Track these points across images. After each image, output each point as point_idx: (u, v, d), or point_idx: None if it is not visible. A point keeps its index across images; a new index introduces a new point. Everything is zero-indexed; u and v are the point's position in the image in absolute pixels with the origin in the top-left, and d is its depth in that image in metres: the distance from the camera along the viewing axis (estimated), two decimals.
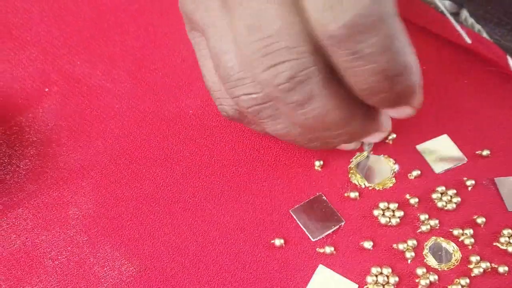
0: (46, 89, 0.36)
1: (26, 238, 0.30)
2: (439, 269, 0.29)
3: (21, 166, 0.33)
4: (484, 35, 0.39)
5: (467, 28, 0.38)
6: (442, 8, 0.39)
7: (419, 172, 0.32)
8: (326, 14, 0.21)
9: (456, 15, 0.40)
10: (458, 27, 0.38)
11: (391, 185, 0.31)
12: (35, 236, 0.30)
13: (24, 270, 0.29)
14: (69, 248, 0.30)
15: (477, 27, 0.39)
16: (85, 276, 0.29)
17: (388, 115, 0.29)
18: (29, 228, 0.31)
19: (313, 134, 0.27)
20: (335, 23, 0.21)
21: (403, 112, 0.26)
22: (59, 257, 0.30)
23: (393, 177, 0.32)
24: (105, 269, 0.29)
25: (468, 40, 0.37)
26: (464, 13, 0.40)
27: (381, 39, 0.22)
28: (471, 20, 0.40)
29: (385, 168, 0.32)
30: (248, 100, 0.26)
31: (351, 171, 0.32)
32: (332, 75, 0.24)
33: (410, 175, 0.32)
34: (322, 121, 0.25)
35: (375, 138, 0.29)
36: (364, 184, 0.32)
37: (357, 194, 0.31)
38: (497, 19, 0.39)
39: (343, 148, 0.32)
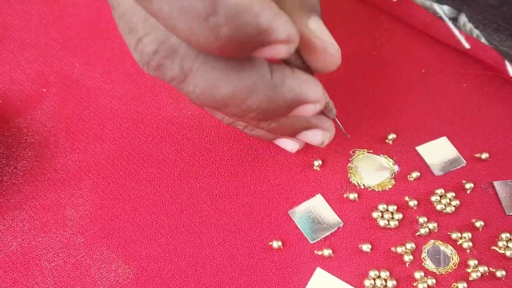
0: (44, 90, 0.36)
1: (23, 240, 0.30)
2: (437, 273, 0.28)
3: (19, 168, 0.33)
4: (483, 40, 0.39)
5: (465, 33, 0.38)
6: (441, 13, 0.39)
7: (418, 173, 0.32)
8: None
9: (454, 20, 0.40)
10: (457, 32, 0.38)
11: (390, 186, 0.31)
12: (32, 238, 0.30)
13: (20, 272, 0.29)
14: (66, 250, 0.30)
15: (476, 32, 0.39)
16: (82, 278, 0.29)
17: (316, 83, 0.25)
18: (26, 229, 0.30)
19: (224, 113, 0.25)
20: None
21: (275, 52, 0.21)
22: (56, 259, 0.29)
23: (393, 178, 0.32)
24: (102, 271, 0.29)
25: (467, 45, 0.37)
26: (463, 19, 0.40)
27: None
28: (469, 26, 0.40)
29: (385, 168, 0.32)
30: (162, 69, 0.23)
31: (351, 171, 0.32)
32: None
33: (409, 177, 0.32)
34: (213, 97, 0.22)
35: (305, 111, 0.25)
36: (363, 185, 0.31)
37: (356, 195, 0.31)
38: (496, 25, 0.39)
39: (309, 142, 0.29)
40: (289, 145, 0.31)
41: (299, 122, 0.28)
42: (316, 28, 0.25)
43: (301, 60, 0.25)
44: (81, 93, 0.36)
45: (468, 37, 0.37)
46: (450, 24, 0.38)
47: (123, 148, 0.33)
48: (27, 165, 0.33)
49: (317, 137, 0.29)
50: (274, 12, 0.19)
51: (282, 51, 0.21)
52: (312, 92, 0.24)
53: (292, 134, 0.29)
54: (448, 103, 0.35)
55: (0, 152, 0.33)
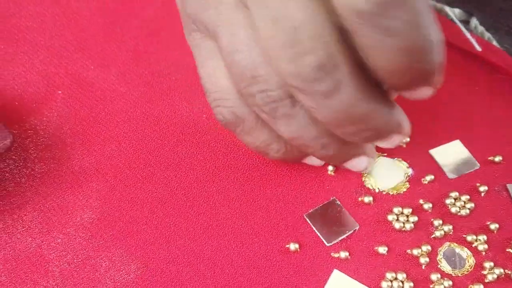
0: (60, 92, 0.36)
1: (42, 241, 0.30)
2: (453, 275, 0.29)
3: (36, 169, 0.33)
4: (494, 43, 0.39)
5: (477, 36, 0.38)
6: (452, 16, 0.39)
7: (432, 177, 0.32)
8: None
9: (466, 23, 0.40)
10: (468, 35, 0.38)
11: (404, 189, 0.32)
12: (51, 239, 0.30)
13: (40, 272, 0.29)
14: (84, 251, 0.30)
15: (487, 35, 0.40)
16: (101, 280, 0.29)
17: (407, 118, 0.28)
18: (44, 231, 0.31)
19: (330, 134, 0.27)
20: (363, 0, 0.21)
21: (424, 92, 0.25)
22: (75, 260, 0.30)
23: (407, 181, 0.32)
24: (121, 272, 0.29)
25: (478, 48, 0.37)
26: (474, 21, 0.40)
27: (411, 14, 0.21)
28: (481, 28, 0.40)
29: (399, 172, 0.32)
30: (264, 97, 0.25)
31: (365, 175, 0.32)
32: (357, 65, 0.24)
33: (424, 180, 0.32)
34: (347, 113, 0.24)
35: (394, 141, 0.28)
36: (378, 188, 0.32)
37: (371, 199, 0.31)
38: (507, 28, 0.40)
39: (352, 168, 0.31)
40: (317, 162, 0.32)
41: (354, 149, 0.29)
42: None
43: None
44: (96, 96, 0.36)
45: (480, 40, 0.38)
46: (461, 26, 0.39)
47: (140, 150, 0.34)
48: (45, 167, 0.33)
49: (363, 163, 0.30)
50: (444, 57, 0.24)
51: (427, 94, 0.25)
52: (407, 125, 0.28)
53: (343, 161, 0.30)
54: (460, 106, 0.35)
55: (18, 154, 0.34)
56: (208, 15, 0.27)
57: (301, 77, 0.23)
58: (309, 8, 0.22)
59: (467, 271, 0.29)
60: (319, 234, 0.30)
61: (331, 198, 0.31)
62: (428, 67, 0.23)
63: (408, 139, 0.33)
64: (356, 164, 0.30)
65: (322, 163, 0.32)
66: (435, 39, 0.23)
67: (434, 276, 0.28)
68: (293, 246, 0.29)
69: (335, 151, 0.28)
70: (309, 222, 0.30)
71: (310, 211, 0.31)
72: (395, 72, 0.23)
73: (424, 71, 0.23)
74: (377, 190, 0.32)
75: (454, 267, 0.29)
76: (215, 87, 0.28)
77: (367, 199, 0.31)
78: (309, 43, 0.22)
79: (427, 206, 0.31)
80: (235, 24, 0.25)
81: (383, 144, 0.28)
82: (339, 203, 0.31)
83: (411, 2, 0.21)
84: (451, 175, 0.32)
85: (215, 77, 0.28)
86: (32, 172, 0.33)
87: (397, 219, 0.30)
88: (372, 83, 0.25)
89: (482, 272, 0.29)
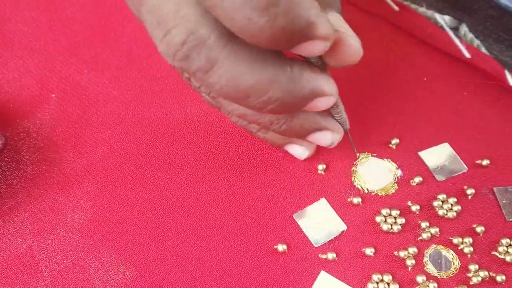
0: (53, 95, 0.37)
1: (32, 242, 0.31)
2: (439, 277, 0.29)
3: (28, 171, 0.33)
4: (483, 50, 0.39)
5: (466, 43, 0.39)
6: (442, 23, 0.40)
7: (421, 179, 0.32)
8: None
9: (455, 30, 0.41)
10: (458, 42, 0.38)
11: (393, 191, 0.32)
12: (41, 240, 0.31)
13: (30, 273, 0.29)
14: (74, 252, 0.30)
15: (476, 42, 0.40)
16: (90, 280, 0.29)
17: (329, 79, 0.26)
18: (35, 232, 0.31)
19: (245, 106, 0.25)
20: None
21: (314, 47, 0.22)
22: (65, 261, 0.30)
23: (396, 182, 0.32)
24: (110, 273, 0.29)
25: (467, 55, 0.38)
26: (464, 28, 0.41)
27: None
28: (470, 35, 0.40)
29: (388, 172, 0.33)
30: (184, 73, 0.25)
31: (354, 175, 0.33)
32: (232, 34, 0.22)
33: (412, 182, 0.32)
34: (236, 88, 0.23)
35: (324, 104, 0.26)
36: (367, 189, 0.32)
37: (360, 199, 0.31)
38: (496, 35, 0.40)
39: (318, 142, 0.30)
40: (298, 150, 0.32)
41: (309, 123, 0.28)
42: (335, 22, 0.26)
43: (318, 56, 0.26)
44: (90, 99, 0.36)
45: (469, 46, 0.38)
46: (451, 33, 0.39)
47: (131, 152, 0.34)
48: (37, 168, 0.34)
49: (327, 137, 0.30)
50: (318, 9, 0.21)
51: (319, 48, 0.22)
52: (327, 86, 0.25)
53: (303, 135, 0.29)
54: (449, 110, 0.36)
55: (10, 156, 0.34)
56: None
57: (173, 56, 0.23)
58: None
59: (453, 274, 0.29)
60: (307, 235, 0.30)
61: (320, 199, 0.32)
62: (286, 23, 0.20)
63: (397, 141, 0.33)
64: (320, 139, 0.30)
65: (304, 153, 0.32)
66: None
67: (419, 278, 0.29)
68: (281, 247, 0.30)
69: (286, 125, 0.28)
70: (297, 222, 0.31)
71: (298, 211, 0.31)
72: (248, 34, 0.21)
73: (286, 28, 0.20)
74: (366, 191, 0.32)
75: (439, 269, 0.29)
76: None
77: (356, 200, 0.31)
78: (171, 21, 0.22)
79: (415, 208, 0.31)
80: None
81: (314, 109, 0.26)
82: (328, 203, 0.31)
83: None
84: (439, 178, 0.33)
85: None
86: (24, 174, 0.33)
87: (385, 221, 0.31)
88: (266, 53, 0.23)
89: (467, 274, 0.29)
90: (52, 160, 0.34)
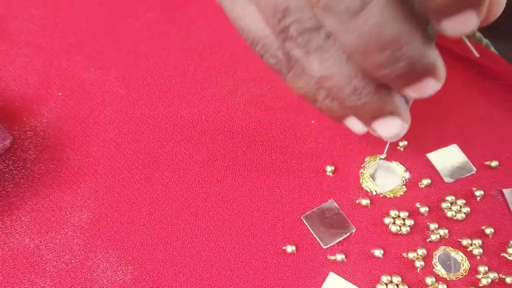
0: (60, 94, 0.36)
1: (40, 242, 0.30)
2: (448, 279, 0.29)
3: (36, 170, 0.33)
4: (492, 49, 0.39)
5: (475, 42, 0.38)
6: None
7: (429, 180, 0.32)
8: None
9: None
10: (467, 41, 0.38)
11: (401, 193, 0.32)
12: (49, 240, 0.31)
13: (37, 273, 0.29)
14: (82, 251, 0.30)
15: (485, 41, 0.40)
16: (98, 280, 0.29)
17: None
18: (42, 231, 0.31)
19: (363, 76, 0.25)
20: None
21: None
22: (73, 261, 0.30)
23: (404, 185, 0.32)
24: (119, 273, 0.29)
25: (477, 54, 0.38)
26: None
27: None
28: (479, 34, 0.40)
29: (396, 175, 0.33)
30: (298, 28, 0.24)
31: (363, 177, 0.32)
32: None
33: (420, 184, 0.32)
34: (379, 35, 0.22)
35: (427, 88, 0.25)
36: (376, 191, 0.32)
37: (368, 201, 0.31)
38: (505, 34, 0.40)
39: (384, 133, 0.28)
40: (358, 126, 0.29)
41: (387, 103, 0.27)
42: None
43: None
44: (97, 97, 0.36)
45: (478, 45, 0.38)
46: None
47: (138, 152, 0.34)
48: (44, 168, 0.33)
49: (396, 127, 0.27)
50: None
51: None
52: (442, 69, 0.25)
53: (374, 116, 0.27)
54: (458, 111, 0.35)
55: (17, 155, 0.34)
56: None
57: None
58: None
59: (462, 275, 0.29)
60: (315, 236, 0.30)
61: (329, 200, 0.32)
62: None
63: (406, 143, 0.33)
64: (387, 126, 0.27)
65: (363, 127, 0.28)
66: None
67: (429, 280, 0.29)
68: (289, 248, 0.30)
69: (367, 98, 0.26)
70: (306, 223, 0.31)
71: (307, 213, 0.31)
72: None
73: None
74: (374, 193, 0.32)
75: (449, 271, 0.29)
76: (262, 32, 0.26)
77: (365, 201, 0.31)
78: None
79: (423, 209, 0.31)
80: None
81: (414, 92, 0.25)
82: (336, 205, 0.31)
83: None
84: (447, 179, 0.32)
85: (254, 24, 0.26)
86: (31, 173, 0.33)
87: (394, 223, 0.31)
88: (409, 8, 0.23)
89: (476, 276, 0.29)
90: (59, 159, 0.34)
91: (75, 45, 0.39)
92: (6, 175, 0.33)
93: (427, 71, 0.24)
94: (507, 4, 0.39)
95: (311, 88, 0.27)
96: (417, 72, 0.24)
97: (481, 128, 0.35)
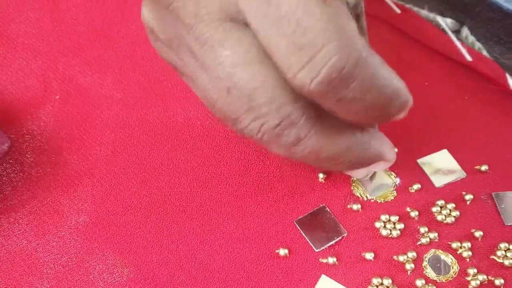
0: (57, 97, 0.37)
1: (37, 244, 0.31)
2: (438, 281, 0.30)
3: (33, 174, 0.34)
4: (484, 53, 0.40)
5: (467, 46, 0.39)
6: (444, 25, 0.40)
7: (419, 185, 0.33)
8: (300, 74, 0.22)
9: (457, 32, 0.41)
10: (459, 45, 0.39)
11: (392, 198, 0.33)
12: (46, 242, 0.31)
13: (35, 275, 0.30)
14: (79, 254, 0.31)
15: (478, 45, 0.40)
16: (95, 282, 0.30)
17: (391, 146, 0.30)
18: (39, 234, 0.31)
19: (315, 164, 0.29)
20: (311, 81, 0.22)
21: (398, 118, 0.27)
22: (69, 263, 0.30)
23: (394, 190, 0.33)
24: (115, 275, 0.30)
25: (469, 58, 0.38)
26: (465, 31, 0.41)
27: (361, 82, 0.23)
28: (471, 38, 0.41)
29: (386, 181, 0.33)
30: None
31: (354, 184, 0.33)
32: (321, 112, 0.25)
33: (411, 189, 0.33)
34: (317, 157, 0.26)
35: (378, 167, 0.30)
36: (366, 196, 0.33)
37: (359, 206, 0.32)
38: (497, 38, 0.40)
39: (353, 175, 0.33)
40: (360, 173, 0.32)
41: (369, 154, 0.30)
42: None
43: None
44: (94, 101, 0.37)
45: (470, 49, 0.38)
46: (452, 36, 0.39)
47: (134, 156, 0.34)
48: (41, 171, 0.34)
49: (379, 166, 0.31)
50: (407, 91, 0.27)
51: (401, 117, 0.27)
52: (389, 153, 0.30)
53: (356, 167, 0.30)
54: (449, 115, 0.36)
55: (15, 158, 0.34)
56: (179, 65, 0.28)
57: (264, 136, 0.25)
58: (259, 76, 0.24)
59: (452, 277, 0.30)
60: (308, 240, 0.31)
61: (321, 205, 0.32)
62: (394, 111, 0.26)
63: (396, 149, 0.34)
64: (376, 168, 0.31)
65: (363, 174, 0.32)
66: (395, 89, 0.25)
67: (419, 282, 0.29)
68: (282, 252, 0.30)
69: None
70: (298, 228, 0.31)
71: (300, 217, 0.32)
72: (361, 121, 0.26)
73: (392, 113, 0.26)
74: (365, 199, 0.33)
75: (439, 273, 0.30)
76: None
77: (356, 206, 0.32)
78: (265, 108, 0.24)
79: (413, 214, 0.32)
80: (203, 82, 0.26)
81: (366, 170, 0.31)
82: (328, 210, 0.32)
83: (358, 72, 0.22)
84: (438, 184, 0.33)
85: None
86: (29, 176, 0.34)
87: (384, 226, 0.31)
88: (342, 124, 0.27)
89: (466, 278, 0.30)
90: (56, 162, 0.34)
91: (71, 48, 0.39)
92: (3, 178, 0.34)
93: (374, 160, 0.29)
94: (498, 8, 0.40)
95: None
96: (363, 165, 0.29)
97: (472, 133, 0.35)
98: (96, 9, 0.41)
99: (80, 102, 0.37)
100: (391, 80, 0.24)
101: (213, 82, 0.25)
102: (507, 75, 0.37)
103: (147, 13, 0.28)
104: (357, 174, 0.32)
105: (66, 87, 0.37)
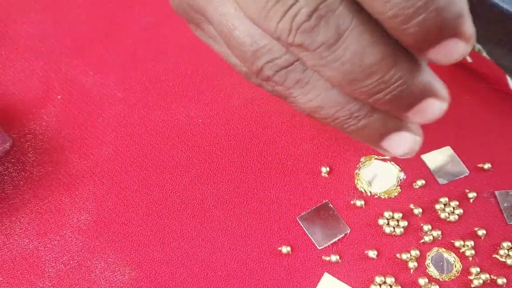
0: (59, 97, 0.37)
1: (39, 243, 0.31)
2: (441, 280, 0.29)
3: (35, 173, 0.34)
4: (484, 54, 0.40)
5: None
6: None
7: (423, 181, 0.33)
8: None
9: None
10: None
11: (396, 194, 0.32)
12: (47, 241, 0.31)
13: (36, 273, 0.30)
14: (80, 253, 0.30)
15: (478, 46, 0.40)
16: (96, 281, 0.29)
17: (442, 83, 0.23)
18: (41, 233, 0.31)
19: (353, 92, 0.22)
20: None
21: (454, 48, 0.20)
22: (71, 262, 0.30)
23: (399, 185, 0.33)
24: (116, 274, 0.30)
25: (469, 59, 0.38)
26: None
27: None
28: None
29: (391, 175, 0.33)
30: (272, 66, 0.23)
31: (358, 177, 0.33)
32: (358, 6, 0.20)
33: (415, 185, 0.33)
34: (361, 63, 0.21)
35: (431, 109, 0.23)
36: (370, 192, 0.32)
37: (362, 202, 0.32)
38: (497, 40, 0.40)
39: (395, 151, 0.25)
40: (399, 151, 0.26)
41: (391, 120, 0.24)
42: None
43: None
44: (95, 101, 0.37)
45: (471, 51, 0.38)
46: None
47: (136, 154, 0.34)
48: (43, 170, 0.34)
49: (406, 143, 0.25)
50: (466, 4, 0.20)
51: (459, 51, 0.20)
52: (442, 88, 0.23)
53: (381, 135, 0.25)
54: (452, 114, 0.36)
55: (16, 157, 0.34)
56: (192, 2, 0.25)
57: (296, 32, 0.21)
58: None
59: (454, 276, 0.30)
60: (311, 237, 0.31)
61: (324, 201, 0.32)
62: (442, 11, 0.19)
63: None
64: (397, 143, 0.25)
65: (393, 152, 0.25)
66: None
67: (422, 281, 0.29)
68: (285, 249, 0.30)
69: (366, 119, 0.24)
70: (301, 224, 0.31)
71: (302, 214, 0.32)
72: (399, 19, 0.19)
73: (439, 17, 0.19)
74: (369, 194, 0.32)
75: (441, 271, 0.30)
76: (244, 73, 0.26)
77: (359, 202, 0.32)
78: None
79: (417, 211, 0.31)
80: (218, 2, 0.23)
81: (417, 117, 0.23)
82: (331, 206, 0.32)
83: None
84: (441, 181, 0.33)
85: (238, 64, 0.26)
86: (30, 175, 0.34)
87: (388, 224, 0.31)
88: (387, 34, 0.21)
89: (468, 277, 0.29)
90: (58, 161, 0.34)
91: (73, 49, 0.39)
92: (5, 178, 0.33)
93: (424, 91, 0.22)
94: (498, 10, 0.40)
95: (309, 112, 0.25)
96: (414, 93, 0.22)
97: (474, 131, 0.35)
98: (98, 10, 0.41)
99: (82, 101, 0.37)
100: None
101: None
102: (507, 77, 0.37)
103: None
104: (401, 143, 0.25)
105: (68, 87, 0.37)
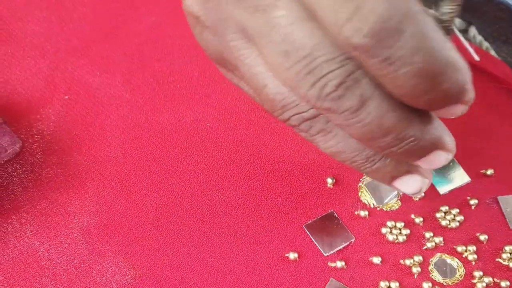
0: (66, 97, 0.37)
1: (50, 246, 0.31)
2: (444, 284, 0.30)
3: (43, 174, 0.34)
4: (492, 52, 0.40)
5: (475, 45, 0.39)
6: (452, 25, 0.40)
7: (422, 194, 0.33)
8: (346, 27, 0.21)
9: (464, 32, 0.41)
10: (467, 45, 0.38)
11: (397, 207, 0.33)
12: (58, 244, 0.32)
13: (48, 276, 0.30)
14: (91, 256, 0.31)
15: (485, 44, 0.40)
16: (108, 284, 0.30)
17: (450, 135, 0.26)
18: (51, 235, 0.32)
19: (371, 146, 0.25)
20: (357, 34, 0.21)
21: (455, 110, 0.24)
22: (82, 265, 0.31)
23: (399, 199, 0.33)
24: (127, 277, 0.30)
25: (477, 58, 0.38)
26: (473, 31, 0.41)
27: (409, 39, 0.21)
28: (479, 38, 0.41)
29: (391, 189, 0.33)
30: (298, 118, 0.26)
31: (361, 190, 0.34)
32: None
33: (414, 197, 0.33)
34: (380, 125, 0.24)
35: (438, 159, 0.26)
36: (373, 204, 0.33)
37: (366, 213, 0.32)
38: (505, 37, 0.40)
39: (405, 189, 0.28)
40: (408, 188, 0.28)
41: (403, 164, 0.27)
42: None
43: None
44: (103, 102, 0.37)
45: (478, 49, 0.38)
46: (460, 36, 0.39)
47: (144, 157, 0.35)
48: (51, 172, 0.34)
49: (416, 183, 0.27)
50: (470, 74, 0.23)
51: (459, 111, 0.24)
52: (450, 140, 0.26)
53: (393, 177, 0.27)
54: (454, 119, 0.36)
55: (25, 159, 0.35)
56: (226, 55, 0.27)
57: (325, 99, 0.23)
58: (314, 34, 0.23)
59: (458, 280, 0.30)
60: (317, 245, 0.31)
61: (329, 211, 0.33)
62: (447, 87, 0.22)
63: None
64: (407, 184, 0.27)
65: (403, 191, 0.28)
66: (450, 58, 0.22)
67: (425, 285, 0.30)
68: (292, 255, 0.31)
69: (380, 163, 0.27)
70: (308, 232, 0.32)
71: (309, 222, 0.32)
72: (409, 96, 0.22)
73: (445, 91, 0.22)
74: (372, 206, 0.33)
75: (445, 276, 0.30)
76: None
77: (363, 213, 0.32)
78: (326, 67, 0.23)
79: (418, 220, 0.32)
80: (250, 60, 0.26)
81: (425, 164, 0.26)
82: (336, 215, 0.32)
83: (407, 26, 0.21)
84: (442, 191, 0.33)
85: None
86: (39, 177, 0.34)
87: (391, 232, 0.32)
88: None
89: (472, 281, 0.30)
90: (66, 163, 0.35)
91: (79, 48, 0.39)
92: (14, 179, 0.34)
93: (433, 145, 0.25)
94: (506, 7, 0.40)
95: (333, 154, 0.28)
96: (423, 148, 0.25)
97: (478, 136, 0.35)
98: (105, 9, 0.41)
99: (89, 102, 0.37)
100: (446, 47, 0.22)
101: (267, 52, 0.24)
102: None
103: (190, 1, 0.27)
104: (412, 184, 0.28)
105: (75, 87, 0.37)
